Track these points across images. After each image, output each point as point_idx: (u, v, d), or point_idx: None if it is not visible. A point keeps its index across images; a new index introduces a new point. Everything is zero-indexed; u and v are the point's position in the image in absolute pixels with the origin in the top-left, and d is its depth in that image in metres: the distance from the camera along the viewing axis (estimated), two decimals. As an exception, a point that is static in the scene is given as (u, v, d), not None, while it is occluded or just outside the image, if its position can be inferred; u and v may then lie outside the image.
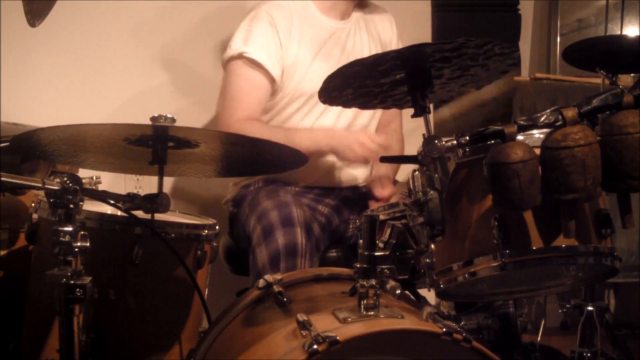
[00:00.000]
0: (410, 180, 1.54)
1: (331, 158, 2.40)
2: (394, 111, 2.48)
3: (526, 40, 3.58)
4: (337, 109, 2.33)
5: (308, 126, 2.39)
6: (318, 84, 2.37)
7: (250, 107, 2.35)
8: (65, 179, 1.48)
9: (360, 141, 2.22)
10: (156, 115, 1.56)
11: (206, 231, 1.92)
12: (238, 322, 1.61)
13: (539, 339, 2.70)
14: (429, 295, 1.74)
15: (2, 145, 1.93)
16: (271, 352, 1.37)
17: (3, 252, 2.07)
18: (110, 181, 2.17)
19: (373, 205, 2.32)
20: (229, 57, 2.38)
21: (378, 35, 2.54)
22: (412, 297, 1.66)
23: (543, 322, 2.89)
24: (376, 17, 2.56)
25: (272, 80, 2.35)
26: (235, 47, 2.37)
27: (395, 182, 2.51)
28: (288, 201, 2.16)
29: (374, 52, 2.44)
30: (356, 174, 2.48)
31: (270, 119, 2.42)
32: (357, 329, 1.33)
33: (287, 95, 2.39)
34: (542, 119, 1.47)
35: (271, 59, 2.34)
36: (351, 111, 2.39)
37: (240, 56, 2.36)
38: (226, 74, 2.42)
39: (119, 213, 1.73)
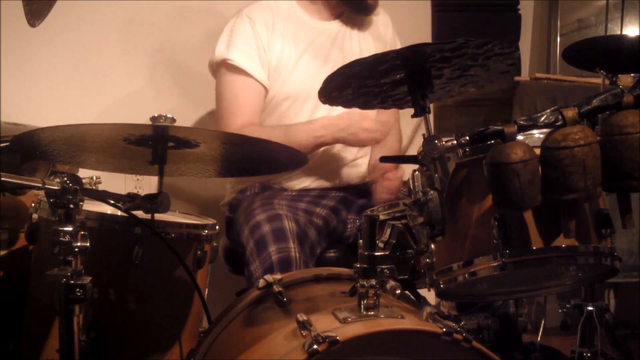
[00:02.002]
0: (410, 180, 1.54)
1: (329, 159, 2.40)
2: (393, 111, 2.48)
3: (526, 40, 3.58)
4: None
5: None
6: (304, 83, 2.35)
7: (245, 112, 2.35)
8: (65, 179, 1.48)
9: (364, 127, 2.23)
10: (156, 115, 1.56)
11: (206, 231, 1.92)
12: (238, 322, 1.61)
13: (539, 339, 2.70)
14: (429, 295, 1.74)
15: (2, 145, 1.94)
16: (271, 352, 1.37)
17: (3, 252, 2.07)
18: (110, 181, 2.17)
19: (380, 182, 2.32)
20: (214, 64, 2.38)
21: (372, 35, 2.53)
22: (412, 297, 1.65)
23: (543, 322, 2.88)
24: (371, 17, 2.54)
25: (259, 82, 2.35)
26: (218, 54, 2.37)
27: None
28: (280, 213, 2.16)
29: (366, 52, 2.42)
30: (356, 172, 2.47)
31: (264, 119, 2.41)
32: (357, 329, 1.33)
33: (275, 95, 2.38)
34: (542, 119, 1.47)
35: (254, 63, 2.34)
36: None
37: (224, 62, 2.36)
38: (217, 82, 2.41)
39: (119, 213, 1.73)
